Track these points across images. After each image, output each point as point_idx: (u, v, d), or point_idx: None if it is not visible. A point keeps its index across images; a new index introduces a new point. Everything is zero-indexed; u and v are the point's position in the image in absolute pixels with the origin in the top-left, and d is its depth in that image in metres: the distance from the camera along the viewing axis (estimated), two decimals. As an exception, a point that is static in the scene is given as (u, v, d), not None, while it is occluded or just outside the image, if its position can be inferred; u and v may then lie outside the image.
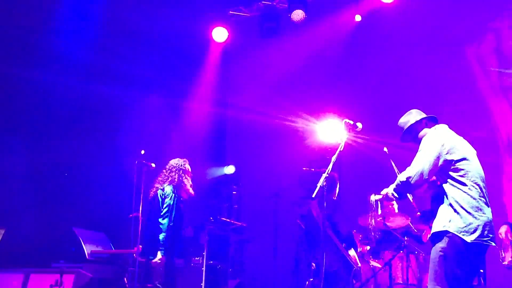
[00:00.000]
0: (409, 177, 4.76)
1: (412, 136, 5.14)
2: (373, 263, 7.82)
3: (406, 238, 7.62)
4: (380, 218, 5.64)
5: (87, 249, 7.96)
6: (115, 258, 8.10)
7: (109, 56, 9.72)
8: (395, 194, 4.98)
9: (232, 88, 10.56)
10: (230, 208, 10.37)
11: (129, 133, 10.36)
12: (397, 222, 7.55)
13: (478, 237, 4.55)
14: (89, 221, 8.96)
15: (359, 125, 5.74)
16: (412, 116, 5.18)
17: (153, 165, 7.45)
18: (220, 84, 10.68)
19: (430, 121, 5.14)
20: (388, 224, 7.45)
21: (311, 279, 8.36)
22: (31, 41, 8.91)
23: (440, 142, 4.78)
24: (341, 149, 5.64)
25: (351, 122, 5.70)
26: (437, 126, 5.08)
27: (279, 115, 9.64)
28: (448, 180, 4.73)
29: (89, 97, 9.82)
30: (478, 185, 4.70)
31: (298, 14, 9.46)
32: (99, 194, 9.60)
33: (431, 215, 4.96)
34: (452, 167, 4.73)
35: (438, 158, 4.73)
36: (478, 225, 4.56)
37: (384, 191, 5.10)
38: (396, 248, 7.68)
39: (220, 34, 10.06)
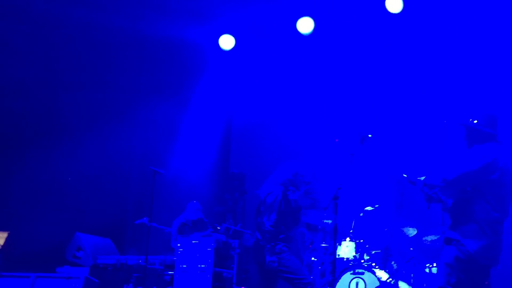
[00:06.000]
0: None
1: None
2: (379, 273, 7.74)
3: (411, 249, 7.63)
4: None
5: (92, 254, 7.97)
6: (121, 264, 8.09)
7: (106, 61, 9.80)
8: None
9: (240, 97, 10.60)
10: (235, 216, 10.37)
11: (134, 139, 10.40)
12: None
13: None
14: (94, 227, 8.96)
15: (370, 136, 5.77)
16: None
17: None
18: (226, 91, 10.73)
19: None
20: None
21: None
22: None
23: None
24: (351, 161, 5.69)
25: (364, 134, 5.73)
26: None
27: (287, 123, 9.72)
28: None
29: (93, 103, 9.91)
30: None
31: (305, 24, 9.45)
32: (105, 199, 9.61)
33: None
34: None
35: None
36: None
37: None
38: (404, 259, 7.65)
39: (227, 41, 10.11)
